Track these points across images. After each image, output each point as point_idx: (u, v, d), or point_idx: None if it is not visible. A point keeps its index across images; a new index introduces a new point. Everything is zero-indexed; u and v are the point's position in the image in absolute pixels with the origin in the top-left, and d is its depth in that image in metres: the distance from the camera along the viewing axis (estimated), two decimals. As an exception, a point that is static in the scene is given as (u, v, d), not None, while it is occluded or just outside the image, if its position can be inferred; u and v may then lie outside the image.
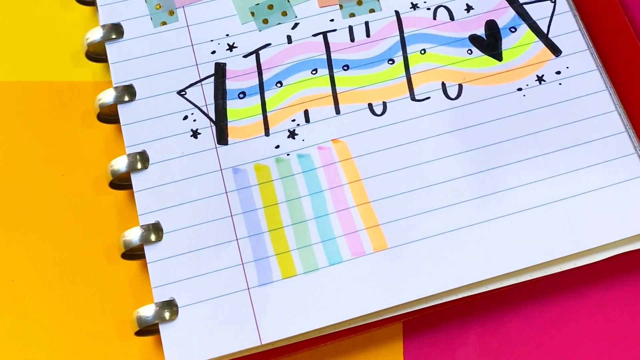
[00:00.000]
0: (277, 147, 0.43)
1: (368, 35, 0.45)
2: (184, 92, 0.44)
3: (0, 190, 0.45)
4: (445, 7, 0.46)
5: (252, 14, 0.46)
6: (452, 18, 0.46)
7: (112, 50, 0.45)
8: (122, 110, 0.43)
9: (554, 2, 0.46)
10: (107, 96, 0.44)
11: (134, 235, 0.41)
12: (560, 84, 0.44)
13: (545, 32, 0.45)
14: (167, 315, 0.39)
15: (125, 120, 0.43)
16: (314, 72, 0.44)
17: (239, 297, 0.40)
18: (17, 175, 0.45)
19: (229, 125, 0.43)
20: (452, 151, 0.42)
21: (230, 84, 0.44)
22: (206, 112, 0.44)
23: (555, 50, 0.45)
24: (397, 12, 0.46)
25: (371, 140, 0.43)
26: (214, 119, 0.43)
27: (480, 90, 0.44)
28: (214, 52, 0.45)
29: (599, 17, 0.46)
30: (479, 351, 0.41)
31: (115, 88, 0.44)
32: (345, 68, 0.45)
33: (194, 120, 0.43)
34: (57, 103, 0.47)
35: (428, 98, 0.44)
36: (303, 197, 0.42)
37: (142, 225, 0.41)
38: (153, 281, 0.40)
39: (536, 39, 0.45)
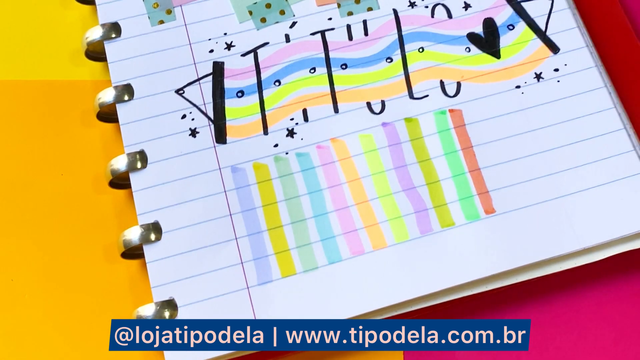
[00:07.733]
0: (276, 145, 0.43)
1: (366, 33, 0.45)
2: (182, 91, 0.44)
3: (-1, 190, 0.45)
4: (443, 5, 0.46)
5: (250, 12, 0.46)
6: (450, 16, 0.45)
7: (111, 49, 0.45)
8: (120, 109, 0.43)
9: (552, 0, 0.46)
10: (107, 95, 0.44)
11: (133, 234, 0.41)
12: (558, 81, 0.44)
13: (543, 29, 0.45)
14: (166, 314, 0.39)
15: (123, 120, 0.43)
16: (312, 70, 0.44)
17: (239, 297, 0.40)
18: (16, 175, 0.45)
19: (228, 124, 0.43)
20: (452, 149, 0.42)
21: (229, 83, 0.44)
22: (204, 111, 0.43)
23: (554, 48, 0.44)
24: (395, 11, 0.46)
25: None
26: (212, 118, 0.43)
27: (478, 88, 0.44)
28: (212, 50, 0.45)
29: (598, 14, 0.46)
30: (479, 351, 0.41)
31: (115, 87, 0.44)
32: (344, 67, 0.44)
33: (192, 119, 0.43)
34: (57, 102, 0.47)
35: (426, 96, 0.44)
36: (302, 195, 0.42)
37: (141, 225, 0.41)
38: (152, 281, 0.40)
39: (534, 36, 0.45)
